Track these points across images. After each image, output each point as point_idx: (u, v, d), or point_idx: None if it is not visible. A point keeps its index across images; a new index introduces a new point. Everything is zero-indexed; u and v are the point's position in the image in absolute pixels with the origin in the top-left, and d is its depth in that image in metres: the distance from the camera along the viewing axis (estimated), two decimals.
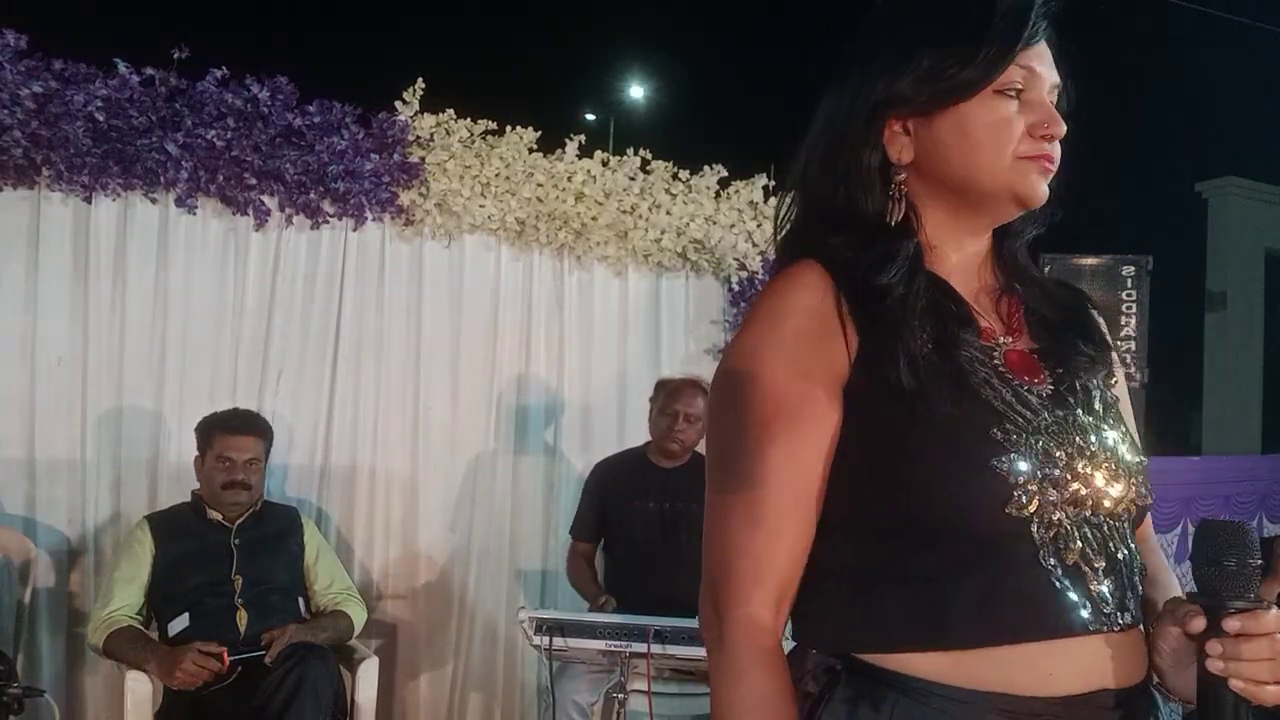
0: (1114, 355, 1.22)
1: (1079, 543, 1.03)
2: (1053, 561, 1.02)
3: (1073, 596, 1.02)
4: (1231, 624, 0.97)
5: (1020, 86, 1.08)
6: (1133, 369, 4.61)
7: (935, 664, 1.01)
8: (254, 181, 3.61)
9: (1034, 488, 1.02)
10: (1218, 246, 9.49)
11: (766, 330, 1.08)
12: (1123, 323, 4.66)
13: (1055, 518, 1.03)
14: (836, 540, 1.07)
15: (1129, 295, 4.67)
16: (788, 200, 1.18)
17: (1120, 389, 1.21)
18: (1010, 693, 1.00)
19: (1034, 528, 1.02)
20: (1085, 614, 1.02)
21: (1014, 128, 1.08)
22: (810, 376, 1.05)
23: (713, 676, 1.07)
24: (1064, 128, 1.09)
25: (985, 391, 1.06)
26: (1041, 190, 1.10)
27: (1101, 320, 1.23)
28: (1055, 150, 1.09)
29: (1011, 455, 1.02)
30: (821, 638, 1.08)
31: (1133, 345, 4.65)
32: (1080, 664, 1.02)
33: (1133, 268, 4.69)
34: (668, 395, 3.66)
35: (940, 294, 1.10)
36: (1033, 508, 1.01)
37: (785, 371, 1.05)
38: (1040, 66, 1.09)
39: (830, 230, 1.11)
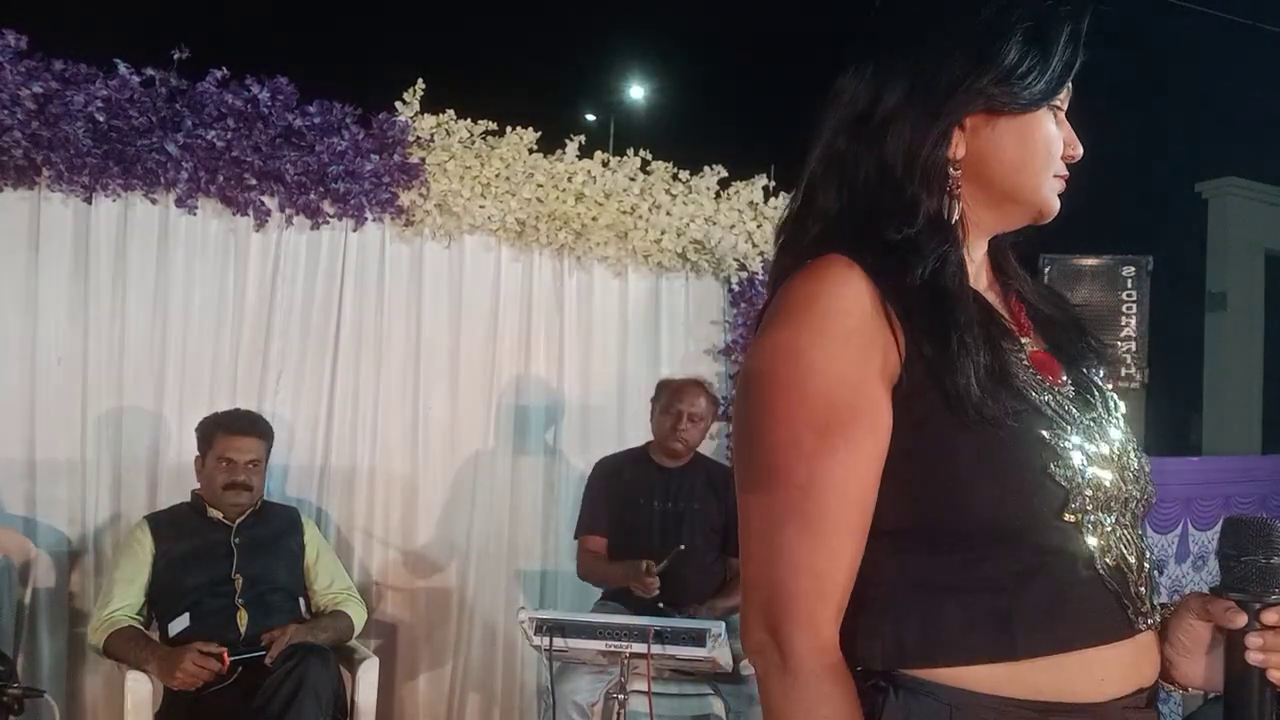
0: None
1: (1117, 544, 1.04)
2: (1101, 565, 1.03)
3: (1122, 599, 1.04)
4: (1270, 617, 1.00)
5: (1062, 106, 1.11)
6: (1133, 369, 4.60)
7: (990, 675, 0.99)
8: (254, 182, 3.61)
9: (1088, 492, 1.02)
10: (1218, 246, 9.48)
11: (811, 328, 1.00)
12: (1123, 323, 4.66)
13: (1099, 520, 1.03)
14: (884, 551, 1.02)
15: (1129, 295, 4.67)
16: (800, 193, 1.13)
17: None
18: (1062, 700, 1.00)
19: (1085, 532, 1.02)
20: (1131, 614, 1.04)
21: (1059, 146, 1.10)
22: (864, 378, 0.99)
23: (778, 706, 0.99)
24: (1082, 152, 1.13)
25: (1031, 395, 1.04)
26: (1057, 209, 1.13)
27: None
28: None
29: (1064, 461, 1.02)
30: (867, 652, 1.02)
31: (1133, 345, 4.65)
32: (1125, 666, 1.04)
33: (1133, 268, 4.69)
34: (671, 395, 3.65)
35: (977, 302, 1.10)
36: (1085, 512, 1.02)
37: (837, 372, 0.99)
38: (1069, 89, 1.12)
39: (882, 225, 1.06)
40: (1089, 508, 1.02)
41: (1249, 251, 9.49)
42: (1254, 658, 1.00)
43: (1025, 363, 1.08)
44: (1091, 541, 1.02)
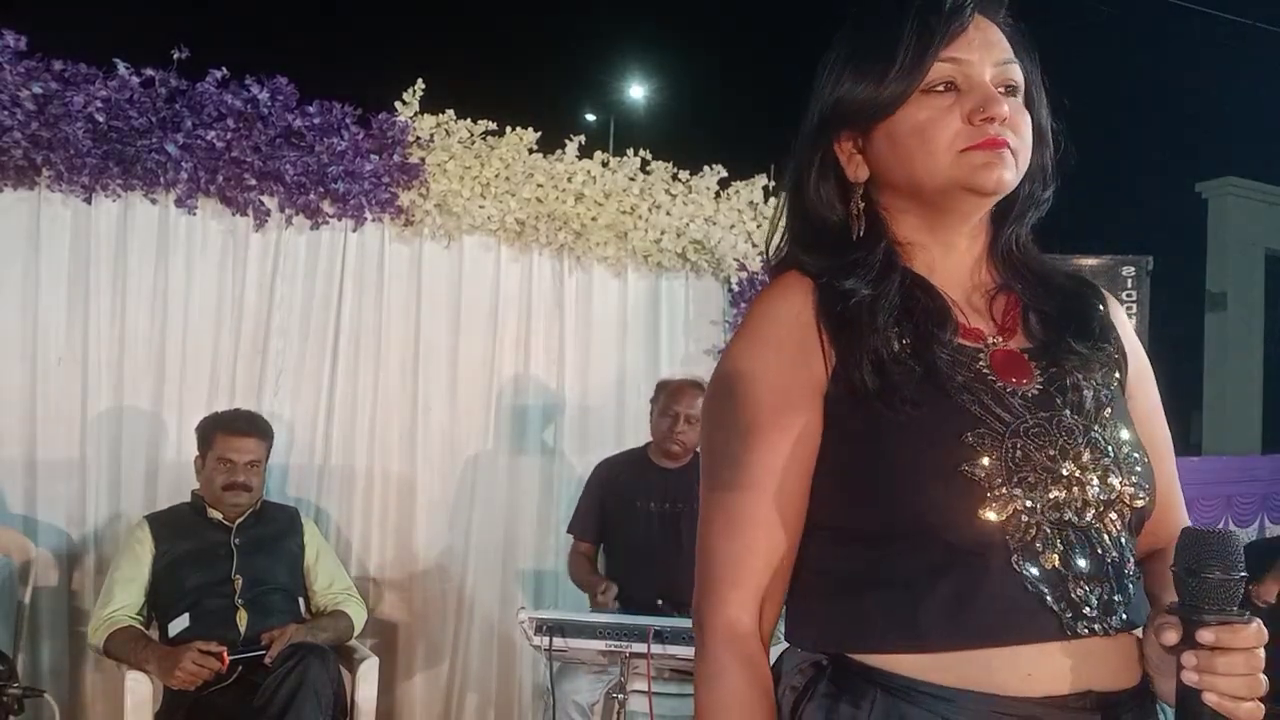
0: (1127, 345, 1.18)
1: (1060, 546, 1.02)
2: (1028, 566, 1.01)
3: (1048, 601, 1.01)
4: (1205, 636, 0.94)
5: (951, 79, 1.07)
6: None
7: (918, 663, 1.02)
8: (254, 182, 3.61)
9: (1005, 492, 1.01)
10: (1218, 246, 9.50)
11: (750, 339, 1.12)
12: None
13: (1031, 522, 1.02)
14: (821, 543, 1.10)
15: (1129, 295, 4.67)
16: (780, 211, 1.21)
17: (1140, 381, 1.18)
18: (991, 692, 1.00)
19: (1007, 533, 1.01)
20: (1066, 618, 1.01)
21: (942, 125, 1.06)
22: (789, 385, 1.08)
23: (695, 678, 1.10)
24: (1004, 106, 1.06)
25: (962, 396, 1.05)
26: (994, 176, 1.06)
27: (1113, 310, 1.19)
28: (1007, 131, 1.06)
29: (983, 460, 1.01)
30: (810, 637, 1.11)
31: None
32: (1060, 667, 1.01)
33: (1133, 268, 4.69)
34: (668, 396, 3.66)
35: (920, 291, 1.10)
36: (1006, 513, 1.01)
37: (765, 380, 1.09)
38: (970, 53, 1.07)
39: (804, 244, 1.15)
40: (1020, 508, 1.01)
41: (1249, 251, 9.51)
42: (1188, 677, 0.95)
43: (979, 363, 1.08)
44: (1014, 542, 1.01)
